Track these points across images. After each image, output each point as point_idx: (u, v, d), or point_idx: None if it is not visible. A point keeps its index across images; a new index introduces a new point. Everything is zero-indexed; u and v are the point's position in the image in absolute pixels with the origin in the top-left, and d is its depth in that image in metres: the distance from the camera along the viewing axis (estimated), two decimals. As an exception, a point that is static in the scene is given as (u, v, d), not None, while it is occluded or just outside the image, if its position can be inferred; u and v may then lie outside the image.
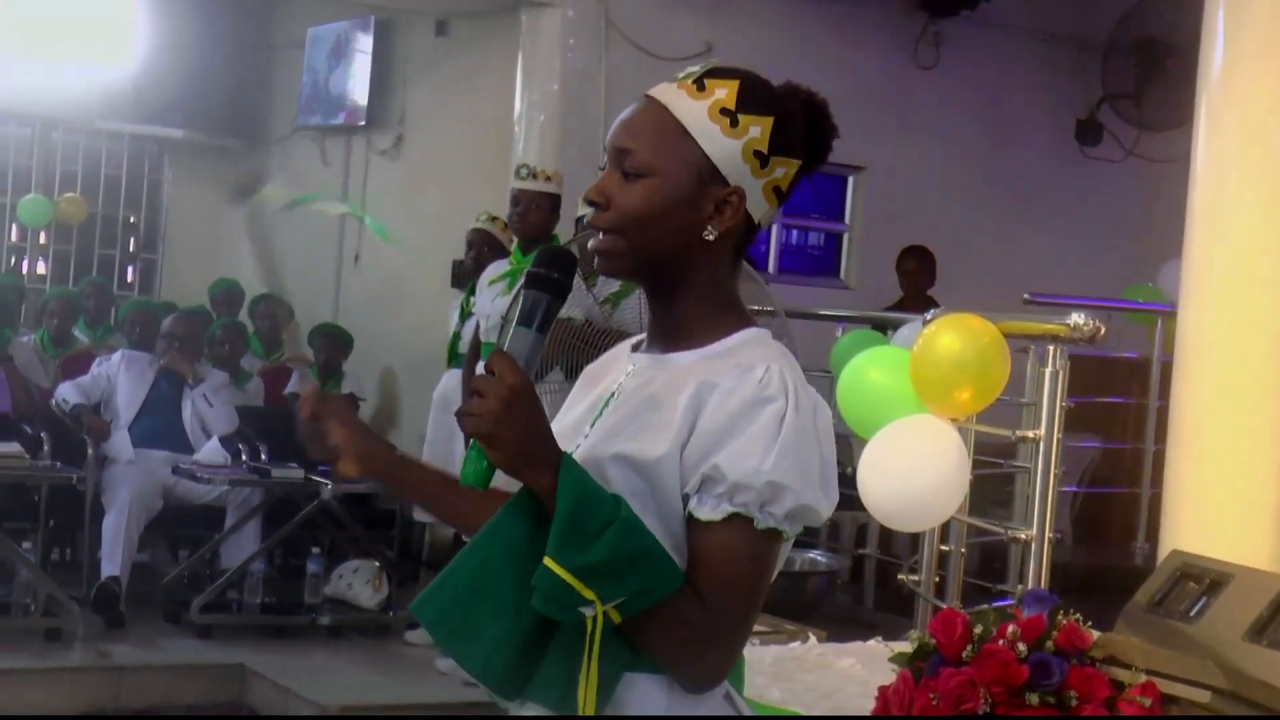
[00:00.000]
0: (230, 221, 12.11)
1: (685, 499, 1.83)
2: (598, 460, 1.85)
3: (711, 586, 1.80)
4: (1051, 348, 4.57)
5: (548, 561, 1.74)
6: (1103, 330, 4.50)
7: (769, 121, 1.92)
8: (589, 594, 1.74)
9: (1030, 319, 4.88)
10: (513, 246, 7.26)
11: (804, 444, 1.83)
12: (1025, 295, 6.82)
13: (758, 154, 1.91)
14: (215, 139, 11.62)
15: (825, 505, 1.86)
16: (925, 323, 4.52)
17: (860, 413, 4.44)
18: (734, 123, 1.90)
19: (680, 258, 1.92)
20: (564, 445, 1.86)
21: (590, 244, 1.96)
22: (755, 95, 1.93)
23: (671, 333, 1.95)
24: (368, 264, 10.32)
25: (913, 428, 4.21)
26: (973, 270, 8.91)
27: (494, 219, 7.94)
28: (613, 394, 1.96)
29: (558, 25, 8.55)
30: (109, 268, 12.09)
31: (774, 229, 9.54)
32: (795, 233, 9.90)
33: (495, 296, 6.76)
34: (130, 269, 12.35)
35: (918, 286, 8.42)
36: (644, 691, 1.84)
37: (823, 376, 6.56)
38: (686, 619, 1.79)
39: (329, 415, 2.10)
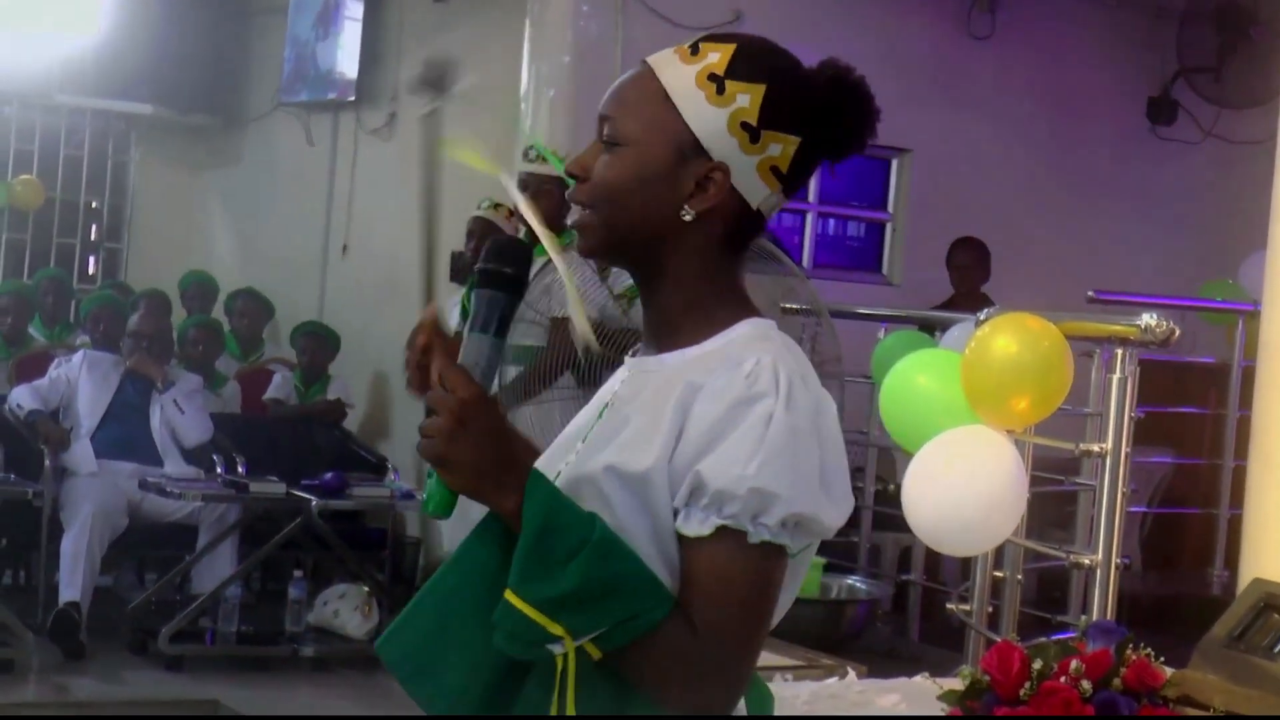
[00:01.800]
0: (202, 207, 12.15)
1: (676, 514, 1.82)
2: (589, 474, 1.85)
3: (704, 609, 1.78)
4: (1119, 351, 4.57)
5: (509, 595, 1.74)
6: (1177, 332, 4.50)
7: (759, 90, 1.88)
8: (556, 629, 1.74)
9: (1095, 319, 4.89)
10: (519, 236, 7.27)
11: (798, 445, 1.80)
12: (1090, 293, 6.82)
13: (746, 126, 1.88)
14: (187, 116, 11.63)
15: (831, 513, 1.84)
16: (978, 323, 4.53)
17: (906, 423, 4.45)
18: (720, 89, 1.88)
19: (657, 240, 1.91)
20: (557, 457, 1.89)
21: (569, 219, 1.96)
22: (751, 61, 1.90)
23: (662, 330, 1.95)
24: (357, 255, 10.34)
25: (964, 440, 4.21)
26: (1031, 265, 8.90)
27: (498, 206, 7.94)
28: (608, 403, 1.96)
29: (569, -10, 8.56)
30: (68, 258, 12.13)
31: (808, 218, 9.55)
32: (833, 222, 9.90)
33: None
34: (92, 259, 12.39)
35: (970, 283, 8.42)
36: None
37: (863, 382, 6.59)
38: (677, 648, 1.77)
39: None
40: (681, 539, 1.81)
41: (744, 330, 1.91)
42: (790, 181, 1.94)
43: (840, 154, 1.96)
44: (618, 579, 1.75)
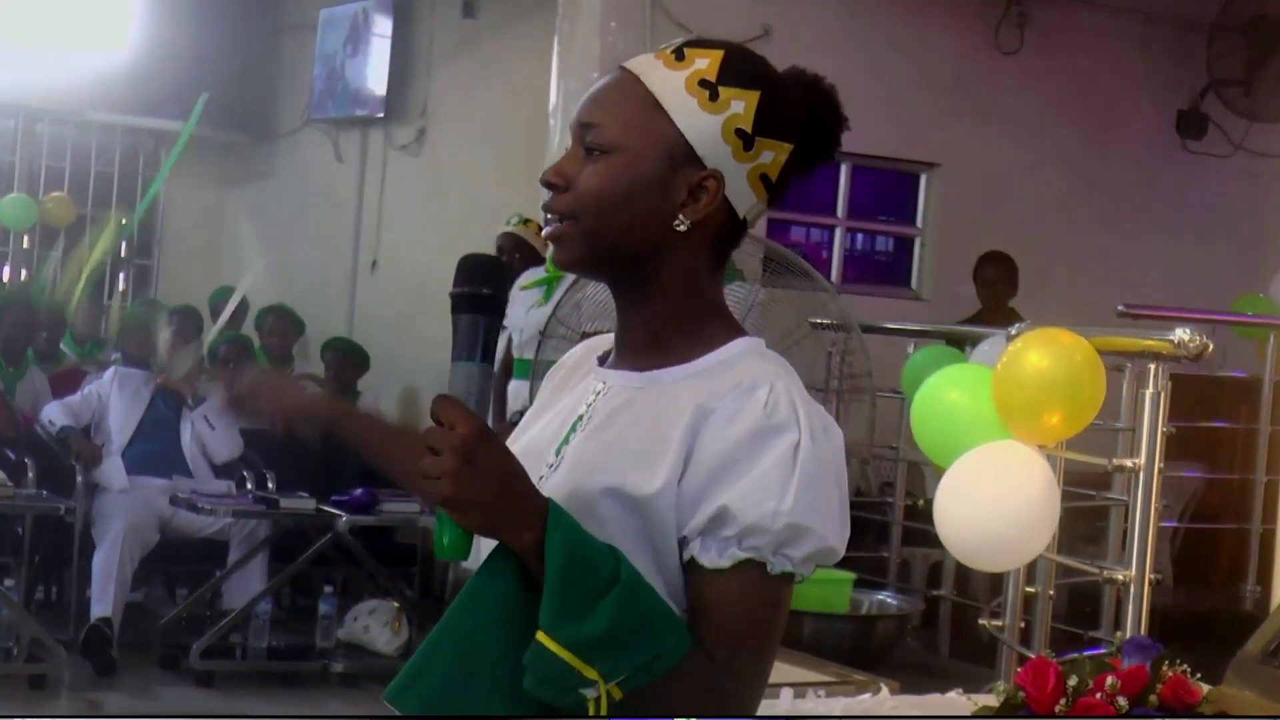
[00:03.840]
0: (232, 223, 12.20)
1: (682, 541, 1.76)
2: (585, 494, 1.77)
3: (721, 641, 1.74)
4: (1152, 366, 4.55)
5: (542, 638, 1.67)
6: (1210, 347, 4.49)
7: (754, 96, 1.84)
8: (591, 673, 1.66)
9: (1127, 334, 4.87)
10: (548, 253, 7.29)
11: (823, 477, 1.77)
12: (1120, 307, 6.78)
13: (740, 133, 1.83)
14: (217, 132, 11.69)
15: (843, 544, 1.81)
16: (1009, 338, 4.52)
17: (936, 438, 4.44)
18: (714, 96, 1.82)
19: (646, 251, 1.84)
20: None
21: (544, 230, 1.90)
22: (741, 67, 1.85)
23: (646, 344, 1.87)
24: (386, 271, 10.37)
25: (995, 455, 4.20)
26: (1061, 279, 8.88)
27: (526, 222, 7.97)
28: (580, 416, 1.88)
29: (597, 6, 8.57)
30: (99, 275, 12.17)
31: (837, 233, 9.54)
32: (861, 236, 9.89)
33: (529, 308, 6.79)
34: (123, 276, 12.44)
35: (998, 297, 8.40)
36: None
37: (894, 397, 6.58)
38: (697, 683, 1.72)
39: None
40: (696, 569, 1.76)
41: (738, 349, 1.85)
42: (777, 190, 1.89)
43: (815, 164, 1.93)
44: (646, 618, 1.69)
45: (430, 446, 1.68)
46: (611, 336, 1.97)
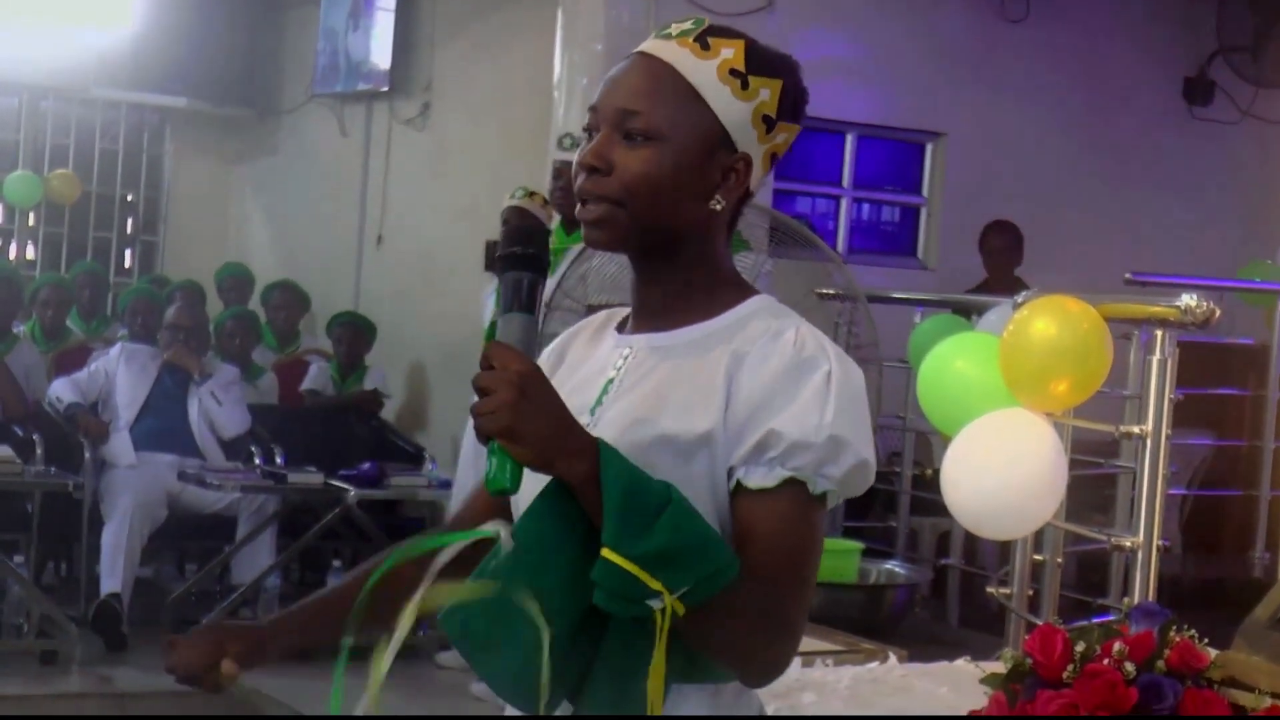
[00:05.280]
0: (238, 199, 12.20)
1: (729, 472, 1.88)
2: (635, 446, 1.86)
3: (768, 561, 1.84)
4: (1159, 333, 4.55)
5: (607, 553, 1.75)
6: (1217, 313, 4.48)
7: (778, 85, 1.98)
8: (655, 584, 1.75)
9: (1134, 301, 4.86)
10: (554, 225, 7.28)
11: (856, 399, 1.90)
12: (1127, 275, 6.78)
13: (766, 119, 1.98)
14: (222, 108, 11.69)
15: (874, 467, 1.93)
16: (1016, 306, 4.52)
17: (944, 407, 4.44)
18: (745, 85, 1.96)
19: (681, 229, 1.97)
20: None
21: (577, 212, 1.97)
22: (763, 57, 1.99)
23: (669, 308, 1.99)
24: (392, 245, 10.36)
25: (1003, 423, 4.21)
26: (1067, 247, 8.86)
27: (532, 194, 7.93)
28: (611, 379, 1.99)
29: (601, -22, 8.55)
30: (105, 252, 12.19)
31: (843, 203, 9.53)
32: (867, 207, 9.87)
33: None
34: (128, 252, 12.45)
35: (1003, 266, 8.39)
36: (694, 704, 1.89)
37: (900, 366, 6.58)
38: (750, 603, 1.81)
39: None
40: (743, 493, 1.87)
41: (755, 305, 1.99)
42: (772, 167, 2.04)
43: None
44: (701, 536, 1.78)
45: (484, 387, 1.77)
46: (620, 310, 2.10)
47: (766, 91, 1.97)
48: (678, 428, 1.88)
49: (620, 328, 2.06)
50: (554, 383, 1.95)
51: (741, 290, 2.01)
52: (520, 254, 1.88)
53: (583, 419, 1.92)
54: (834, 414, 1.86)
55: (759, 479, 1.86)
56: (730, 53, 1.96)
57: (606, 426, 1.92)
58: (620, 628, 1.81)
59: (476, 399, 1.78)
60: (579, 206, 1.97)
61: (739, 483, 1.87)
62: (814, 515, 1.89)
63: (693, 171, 1.95)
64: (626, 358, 2.00)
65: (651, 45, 1.99)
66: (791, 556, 1.86)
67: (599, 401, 1.97)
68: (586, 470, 1.78)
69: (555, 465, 1.79)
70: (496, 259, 1.90)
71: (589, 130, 1.98)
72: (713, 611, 1.79)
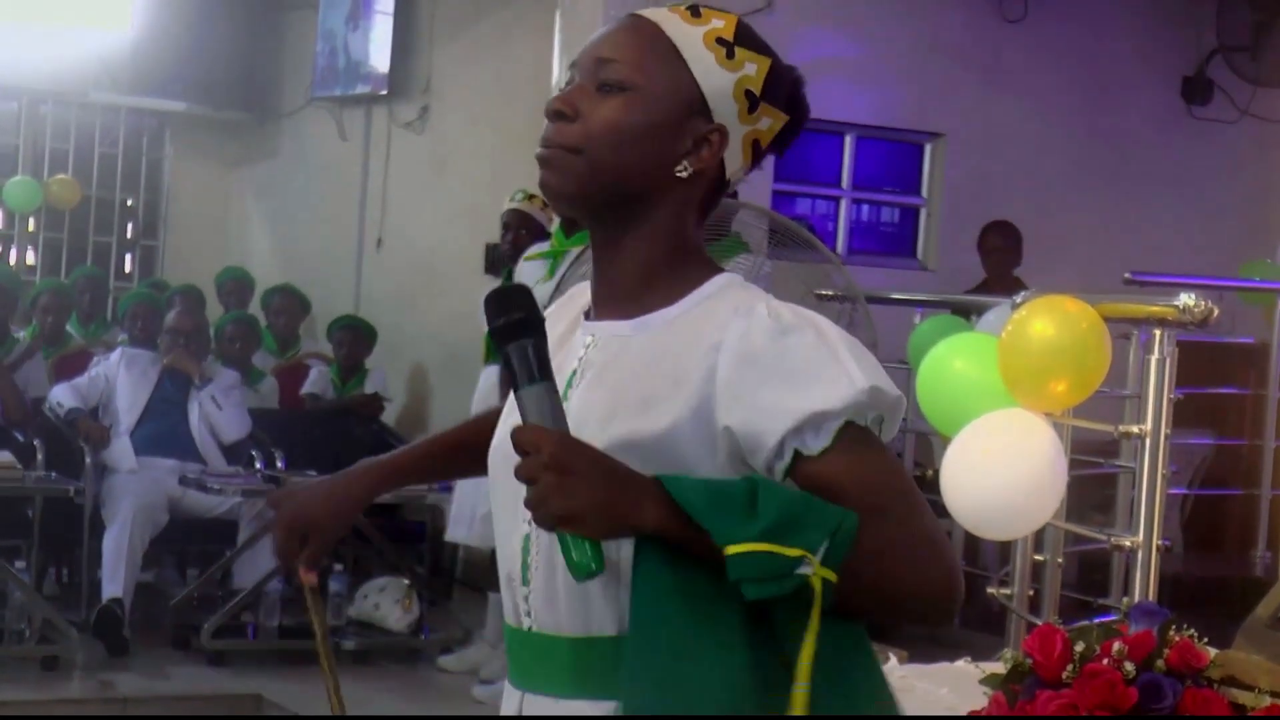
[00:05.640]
0: (237, 203, 12.20)
1: (776, 451, 1.80)
2: (599, 446, 1.78)
3: (873, 501, 1.77)
4: (1157, 332, 4.55)
5: (731, 549, 1.68)
6: (1215, 312, 4.48)
7: (766, 62, 1.92)
8: (794, 551, 1.69)
9: (1133, 300, 4.86)
10: (553, 227, 7.29)
11: (857, 344, 1.85)
12: (1126, 274, 6.79)
13: (749, 94, 1.91)
14: (221, 112, 11.69)
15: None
16: (1014, 306, 4.52)
17: (943, 407, 4.44)
18: (730, 54, 1.90)
19: (645, 192, 1.90)
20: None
21: (537, 153, 1.90)
22: (753, 34, 1.94)
23: (630, 291, 1.92)
24: (392, 249, 10.37)
25: (1002, 423, 4.21)
26: (1066, 247, 8.87)
27: (531, 197, 7.95)
28: (575, 370, 1.93)
29: (599, -21, 8.56)
30: (105, 256, 12.19)
31: (842, 204, 9.53)
32: (866, 208, 9.87)
33: (536, 281, 6.79)
34: (128, 257, 12.45)
35: (1002, 267, 8.40)
36: None
37: (900, 367, 6.58)
38: (887, 539, 1.76)
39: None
40: (804, 463, 1.79)
41: (720, 282, 1.91)
42: (757, 160, 1.96)
43: (785, 145, 1.99)
44: (803, 502, 1.73)
45: (527, 478, 1.69)
46: (585, 287, 2.01)
47: (753, 66, 1.91)
48: (636, 429, 1.82)
49: (588, 314, 1.98)
50: None
51: (705, 270, 1.93)
52: (509, 323, 1.79)
53: None
54: (856, 366, 1.80)
55: (817, 442, 1.78)
56: (720, 23, 1.91)
57: (570, 423, 1.82)
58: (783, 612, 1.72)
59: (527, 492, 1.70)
60: (539, 150, 1.89)
61: (797, 453, 1.79)
62: (877, 444, 1.82)
63: (661, 130, 1.88)
64: (589, 347, 1.93)
65: (644, 10, 1.94)
66: (888, 485, 1.80)
67: (565, 397, 1.88)
68: (661, 511, 1.71)
69: (628, 523, 1.72)
70: (489, 333, 1.81)
71: (569, 83, 1.92)
72: (860, 564, 1.73)
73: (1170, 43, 9.91)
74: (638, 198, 1.90)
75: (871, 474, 1.80)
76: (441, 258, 9.69)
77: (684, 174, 1.89)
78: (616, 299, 1.93)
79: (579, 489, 1.69)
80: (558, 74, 8.63)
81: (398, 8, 10.19)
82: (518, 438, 1.72)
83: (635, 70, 1.88)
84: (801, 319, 1.84)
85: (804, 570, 1.69)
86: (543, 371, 1.78)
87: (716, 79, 1.90)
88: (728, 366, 1.82)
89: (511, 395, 1.87)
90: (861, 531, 1.73)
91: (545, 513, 1.69)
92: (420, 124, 10.13)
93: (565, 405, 1.84)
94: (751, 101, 1.91)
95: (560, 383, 1.87)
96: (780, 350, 1.81)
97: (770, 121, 1.93)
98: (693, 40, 1.90)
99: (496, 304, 1.80)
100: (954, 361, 4.45)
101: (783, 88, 1.94)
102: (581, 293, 2.04)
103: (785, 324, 1.83)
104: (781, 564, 1.69)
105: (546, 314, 1.99)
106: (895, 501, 1.80)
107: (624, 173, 1.88)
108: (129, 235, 12.45)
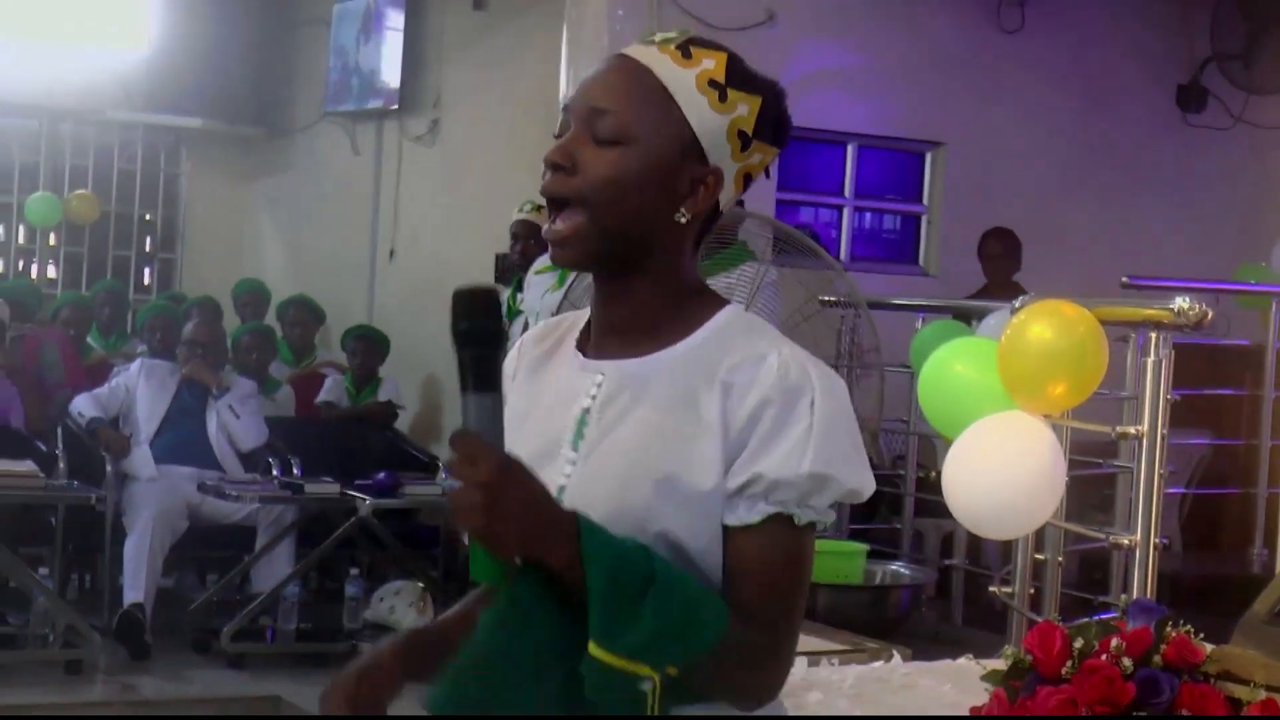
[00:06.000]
0: (253, 217, 12.22)
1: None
2: (638, 483, 1.82)
3: (756, 596, 1.81)
4: (1154, 335, 4.56)
5: (595, 651, 1.72)
6: (1209, 314, 4.49)
7: (757, 101, 1.90)
8: (644, 670, 1.73)
9: (1130, 304, 4.88)
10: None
11: (841, 426, 1.84)
12: (1123, 279, 6.80)
13: (741, 135, 1.89)
14: (236, 128, 11.72)
15: (868, 481, 1.87)
16: (1014, 311, 4.52)
17: (944, 410, 4.45)
18: (723, 97, 1.88)
19: (646, 240, 1.88)
20: (542, 469, 1.79)
21: (544, 229, 1.90)
22: (744, 72, 1.91)
23: (637, 330, 1.91)
24: (404, 259, 10.38)
25: (1002, 426, 4.21)
26: (1064, 253, 8.87)
27: (539, 208, 7.95)
28: (587, 409, 1.90)
29: (605, -5, 8.57)
30: (124, 270, 12.21)
31: (845, 212, 9.54)
32: (869, 216, 9.88)
33: (545, 291, 6.81)
34: (147, 270, 12.47)
35: (1002, 272, 8.40)
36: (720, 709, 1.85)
37: (902, 371, 6.58)
38: (740, 644, 1.79)
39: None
40: (728, 530, 1.82)
41: (727, 317, 1.91)
42: (746, 187, 1.96)
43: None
44: (687, 605, 1.75)
45: (457, 479, 1.72)
46: (574, 317, 2.01)
47: (745, 107, 1.89)
48: (679, 472, 1.82)
49: (582, 347, 1.96)
50: (513, 392, 1.91)
51: (709, 302, 1.93)
52: (469, 329, 1.75)
53: (564, 452, 1.89)
54: (815, 450, 1.80)
55: (742, 515, 1.82)
56: (711, 64, 1.88)
57: (601, 460, 1.86)
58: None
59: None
60: (546, 214, 1.88)
61: (724, 520, 1.82)
62: (801, 545, 1.84)
63: (660, 178, 1.86)
64: (600, 385, 1.90)
65: (633, 49, 1.91)
66: (779, 591, 1.82)
67: (579, 435, 1.89)
68: (568, 555, 1.73)
69: (538, 557, 1.74)
70: (452, 330, 1.74)
71: (562, 132, 1.90)
72: (707, 661, 1.77)
73: (1165, 51, 9.91)
74: (639, 244, 1.89)
75: (773, 577, 1.82)
76: (452, 267, 9.70)
77: (683, 220, 1.89)
78: (623, 337, 1.92)
79: (501, 516, 1.71)
80: (564, 88, 8.64)
81: (408, 24, 10.22)
82: (457, 441, 1.72)
83: (631, 122, 1.86)
84: (804, 381, 1.84)
85: (645, 687, 1.74)
86: (490, 383, 1.75)
87: (710, 123, 1.88)
88: (731, 412, 1.83)
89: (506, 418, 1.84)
90: (729, 631, 1.77)
91: (467, 523, 1.72)
92: (431, 137, 10.14)
93: (586, 446, 1.87)
94: (744, 140, 1.90)
95: (569, 422, 1.90)
96: (780, 414, 1.82)
97: (761, 156, 1.93)
98: (685, 85, 1.87)
99: (466, 304, 1.76)
100: (955, 365, 4.46)
101: (775, 122, 1.93)
102: (559, 324, 2.03)
103: (790, 384, 1.83)
104: (629, 684, 1.73)
105: (522, 339, 2.02)
106: (773, 605, 1.82)
107: (626, 222, 1.87)
108: (147, 249, 12.46)
